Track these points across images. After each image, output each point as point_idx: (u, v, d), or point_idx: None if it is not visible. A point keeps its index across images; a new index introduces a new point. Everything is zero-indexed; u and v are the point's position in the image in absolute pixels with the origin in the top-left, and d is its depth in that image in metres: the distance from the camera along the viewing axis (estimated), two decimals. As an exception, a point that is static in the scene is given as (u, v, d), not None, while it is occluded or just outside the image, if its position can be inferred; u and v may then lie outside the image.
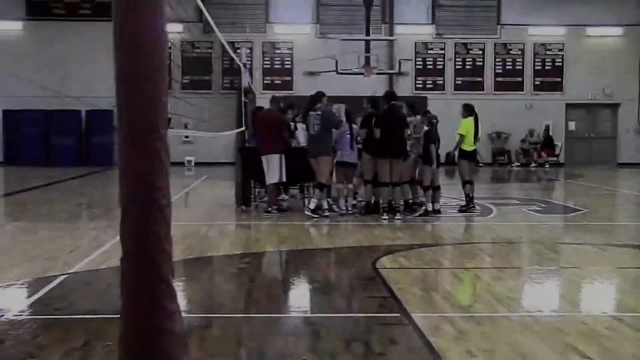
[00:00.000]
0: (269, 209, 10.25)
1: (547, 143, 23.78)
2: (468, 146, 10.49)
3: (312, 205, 9.81)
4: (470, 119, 10.52)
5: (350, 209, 10.04)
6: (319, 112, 9.99)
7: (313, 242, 8.21)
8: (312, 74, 22.75)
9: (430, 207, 9.98)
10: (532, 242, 8.23)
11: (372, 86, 20.44)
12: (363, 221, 9.60)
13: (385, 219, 9.53)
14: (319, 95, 10.16)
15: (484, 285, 5.77)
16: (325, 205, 9.97)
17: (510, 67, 24.24)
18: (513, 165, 23.90)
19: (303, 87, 21.44)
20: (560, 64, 24.24)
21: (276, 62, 23.63)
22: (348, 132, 10.05)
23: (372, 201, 10.09)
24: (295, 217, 10.05)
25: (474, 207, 10.50)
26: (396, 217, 9.59)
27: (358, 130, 9.96)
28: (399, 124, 9.57)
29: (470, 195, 10.49)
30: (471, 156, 10.61)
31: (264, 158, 10.19)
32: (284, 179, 10.21)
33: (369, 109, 10.00)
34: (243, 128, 11.21)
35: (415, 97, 21.22)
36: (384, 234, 8.60)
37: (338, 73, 19.91)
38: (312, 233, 8.85)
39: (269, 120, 10.30)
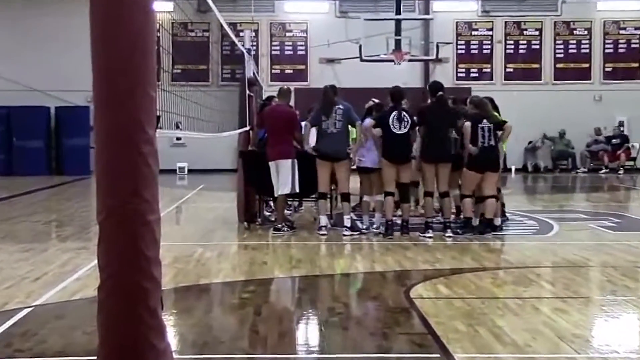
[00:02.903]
0: (279, 226, 10.28)
1: (621, 143, 23.65)
2: None
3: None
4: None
5: (379, 226, 10.08)
6: (341, 107, 10.13)
7: (332, 267, 8.24)
8: (330, 61, 23.00)
9: (497, 222, 10.25)
10: (603, 265, 8.23)
11: (403, 76, 20.44)
12: (393, 241, 9.71)
13: (429, 237, 9.74)
14: (335, 89, 10.35)
15: (544, 319, 5.75)
16: (349, 224, 10.13)
17: (575, 51, 24.22)
18: (578, 171, 23.81)
19: (320, 78, 21.58)
20: (637, 45, 24.11)
21: (287, 48, 23.88)
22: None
23: (403, 219, 10.13)
24: (311, 236, 10.16)
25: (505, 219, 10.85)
26: (446, 235, 9.80)
27: (361, 129, 10.17)
28: (448, 120, 9.90)
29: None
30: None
31: (272, 164, 10.25)
32: (297, 190, 10.24)
33: (389, 103, 10.15)
34: (247, 128, 11.27)
35: (456, 88, 21.25)
36: (420, 255, 8.67)
37: (362, 60, 20.03)
38: (330, 255, 8.92)
39: (278, 118, 10.34)
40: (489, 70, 24.06)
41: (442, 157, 9.87)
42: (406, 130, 9.79)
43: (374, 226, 10.11)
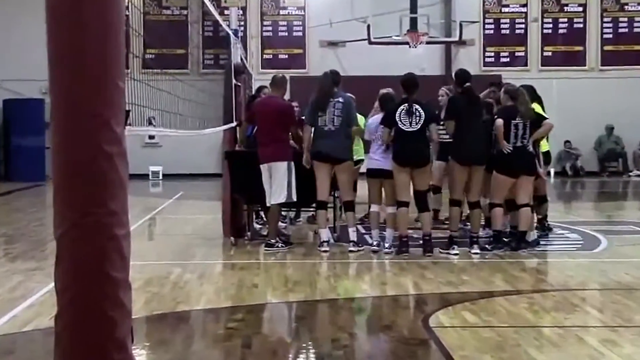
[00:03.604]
0: (272, 241, 10.29)
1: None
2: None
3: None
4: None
5: (391, 245, 10.06)
6: (340, 100, 10.15)
7: (336, 290, 8.24)
8: (333, 44, 23.04)
9: (532, 236, 10.27)
10: (661, 288, 8.26)
11: (420, 61, 20.57)
12: (409, 258, 9.70)
13: (454, 254, 9.77)
14: (337, 77, 10.41)
15: (590, 351, 5.72)
16: (355, 237, 10.13)
17: (626, 31, 24.31)
18: (631, 174, 23.82)
19: (320, 64, 21.45)
20: None
21: (281, 29, 23.95)
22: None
23: (426, 233, 10.08)
24: (310, 252, 10.18)
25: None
26: (472, 251, 9.86)
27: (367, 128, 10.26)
28: (479, 116, 10.01)
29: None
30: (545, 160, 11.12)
31: (264, 167, 10.25)
32: (294, 198, 10.25)
33: (403, 94, 10.08)
34: (234, 124, 11.29)
35: (483, 76, 21.23)
36: (441, 276, 8.65)
37: (371, 43, 20.03)
38: (333, 276, 8.92)
39: (272, 112, 10.34)
40: (522, 54, 24.16)
41: (478, 159, 9.94)
42: (418, 126, 9.73)
43: (386, 244, 10.05)
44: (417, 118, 9.73)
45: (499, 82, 11.10)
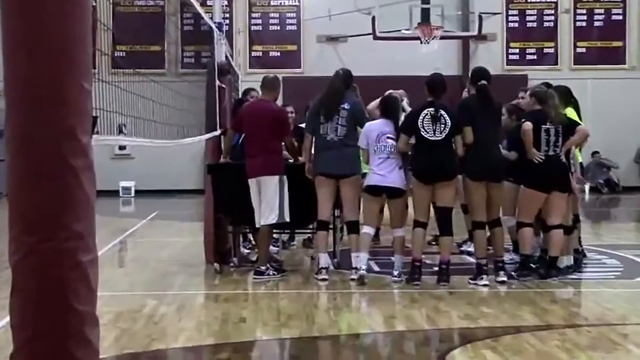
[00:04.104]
0: (262, 268, 10.26)
1: None
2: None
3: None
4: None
5: (400, 274, 10.04)
6: (346, 106, 10.19)
7: (337, 325, 8.18)
8: (332, 40, 23.03)
9: (565, 262, 10.24)
10: None
11: (434, 59, 20.32)
12: (421, 287, 9.66)
13: (483, 285, 9.72)
14: (348, 78, 10.43)
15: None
16: (361, 264, 10.00)
17: (673, 23, 24.16)
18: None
19: (318, 62, 21.81)
20: None
21: (272, 22, 23.96)
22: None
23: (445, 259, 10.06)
24: (307, 281, 10.16)
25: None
26: (498, 278, 9.81)
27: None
28: (494, 120, 10.00)
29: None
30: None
31: (252, 182, 10.25)
32: (287, 218, 10.26)
33: (428, 98, 10.03)
34: (218, 132, 11.25)
35: (507, 76, 21.16)
36: (458, 308, 8.63)
37: (376, 38, 19.99)
38: (334, 309, 8.88)
39: (262, 118, 10.33)
40: (551, 50, 24.14)
41: (494, 173, 9.86)
42: (444, 135, 9.72)
43: (395, 272, 10.01)
44: (443, 125, 9.72)
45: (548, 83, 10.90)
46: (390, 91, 10.86)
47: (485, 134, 9.79)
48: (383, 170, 9.95)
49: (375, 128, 10.08)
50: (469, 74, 10.62)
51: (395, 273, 9.99)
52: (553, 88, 10.45)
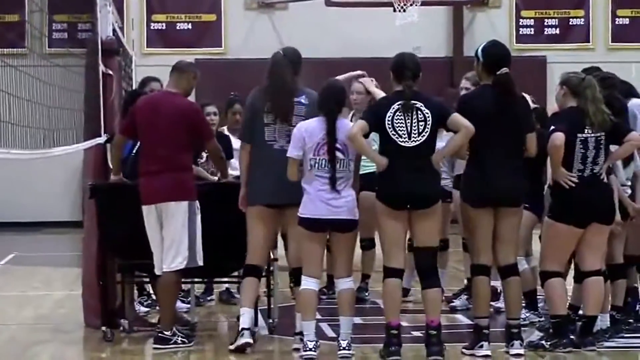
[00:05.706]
0: (166, 333, 9.26)
1: None
2: None
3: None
4: None
5: (350, 343, 8.87)
6: (303, 100, 9.22)
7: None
8: (267, 5, 21.31)
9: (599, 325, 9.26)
10: None
11: (412, 34, 19.22)
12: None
13: (482, 356, 8.69)
14: (297, 61, 9.39)
15: None
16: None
17: None
18: None
19: (246, 39, 20.87)
20: None
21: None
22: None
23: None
24: (225, 352, 9.01)
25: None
26: (512, 350, 8.69)
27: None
28: (518, 125, 8.87)
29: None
30: None
31: (149, 211, 9.26)
32: (200, 262, 9.27)
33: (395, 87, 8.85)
34: (102, 138, 10.14)
35: (517, 58, 19.71)
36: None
37: (329, 4, 18.91)
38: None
39: (167, 120, 9.40)
40: (581, 22, 22.43)
41: (506, 196, 8.64)
42: (424, 137, 8.47)
43: (343, 343, 8.71)
44: (422, 124, 8.55)
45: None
46: (337, 78, 9.64)
47: (500, 144, 8.68)
48: (329, 195, 8.77)
49: (316, 132, 8.78)
50: (478, 55, 9.02)
51: (344, 343, 8.71)
52: (590, 72, 9.30)
